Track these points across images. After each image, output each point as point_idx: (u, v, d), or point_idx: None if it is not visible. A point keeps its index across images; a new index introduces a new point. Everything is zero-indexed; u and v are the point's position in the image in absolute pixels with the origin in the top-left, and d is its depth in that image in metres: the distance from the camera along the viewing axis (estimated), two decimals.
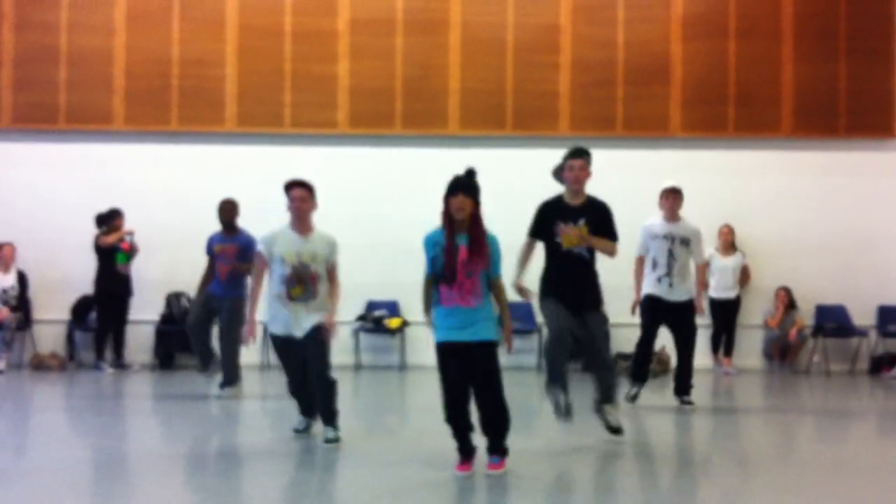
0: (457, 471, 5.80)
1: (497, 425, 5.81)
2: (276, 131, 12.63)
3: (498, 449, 5.85)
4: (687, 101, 12.70)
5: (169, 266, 12.16)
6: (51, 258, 12.38)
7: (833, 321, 12.43)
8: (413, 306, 10.73)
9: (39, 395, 10.08)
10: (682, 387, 8.93)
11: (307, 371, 6.82)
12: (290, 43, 12.65)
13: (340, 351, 12.42)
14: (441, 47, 12.65)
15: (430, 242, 5.85)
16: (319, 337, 6.71)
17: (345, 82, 12.63)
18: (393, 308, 12.24)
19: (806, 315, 12.46)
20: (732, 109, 12.71)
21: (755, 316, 12.51)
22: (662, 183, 8.93)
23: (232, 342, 9.25)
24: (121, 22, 12.59)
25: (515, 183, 12.39)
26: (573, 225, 6.75)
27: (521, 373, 11.97)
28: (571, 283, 6.77)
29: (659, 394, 9.69)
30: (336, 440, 6.73)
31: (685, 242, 8.73)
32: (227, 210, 9.57)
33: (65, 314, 12.33)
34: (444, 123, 12.65)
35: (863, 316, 12.54)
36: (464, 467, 5.82)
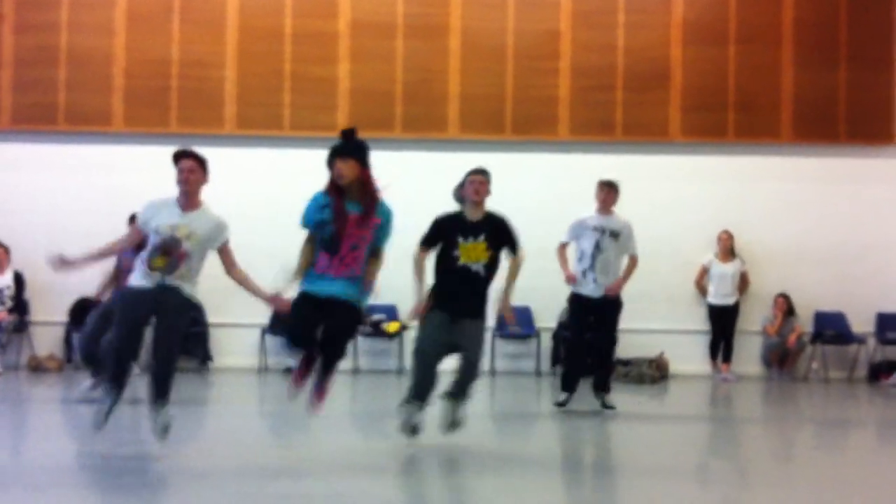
0: (294, 384, 6.21)
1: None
2: (276, 133, 12.61)
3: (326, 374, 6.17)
4: (687, 106, 12.69)
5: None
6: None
7: (832, 328, 12.41)
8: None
9: (36, 397, 10.05)
10: (602, 384, 8.69)
11: (157, 343, 6.20)
12: (290, 44, 12.63)
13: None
14: (441, 51, 12.64)
15: (315, 203, 5.95)
16: (177, 321, 6.21)
17: (345, 84, 12.61)
18: (391, 312, 12.22)
19: (805, 322, 12.44)
20: (732, 115, 12.70)
21: (754, 322, 12.49)
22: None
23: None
24: (121, 22, 12.56)
25: (515, 187, 12.40)
26: (473, 240, 6.79)
27: (519, 377, 11.97)
28: (464, 295, 6.73)
29: (658, 401, 9.68)
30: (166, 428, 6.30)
31: (615, 235, 8.62)
32: None
33: (63, 316, 12.29)
34: (444, 127, 12.63)
35: (862, 323, 12.52)
36: (300, 377, 6.20)
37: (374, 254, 5.97)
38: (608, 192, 8.73)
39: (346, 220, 5.67)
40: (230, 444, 6.95)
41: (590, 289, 8.58)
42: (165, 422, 6.29)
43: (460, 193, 7.06)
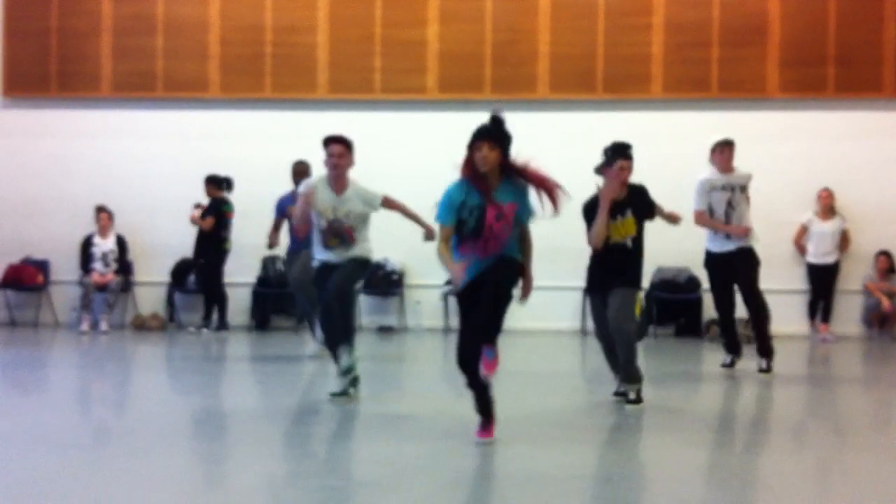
0: (478, 437, 5.50)
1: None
2: (367, 97, 12.71)
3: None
4: (785, 61, 12.34)
5: (265, 230, 12.31)
6: (149, 223, 12.73)
7: None
8: None
9: (141, 355, 10.43)
10: (763, 347, 8.62)
11: (333, 284, 6.84)
12: (380, 8, 12.68)
13: (430, 315, 12.56)
14: (530, 10, 12.52)
15: (451, 198, 5.35)
16: (355, 265, 6.96)
17: (434, 47, 12.62)
18: None
19: None
20: (832, 69, 12.32)
21: (854, 282, 12.19)
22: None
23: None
24: None
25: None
26: (621, 218, 6.86)
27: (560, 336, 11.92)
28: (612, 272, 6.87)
29: (756, 360, 9.53)
30: (348, 370, 6.82)
31: (743, 189, 8.65)
32: (303, 171, 9.76)
33: (165, 277, 12.68)
34: (534, 88, 12.55)
35: None
36: (485, 431, 5.50)
37: (522, 236, 5.53)
38: (729, 150, 8.67)
39: (484, 214, 5.29)
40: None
41: (721, 244, 8.56)
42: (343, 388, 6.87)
43: (605, 171, 7.00)
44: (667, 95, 12.43)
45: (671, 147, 12.42)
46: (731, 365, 8.79)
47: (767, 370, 8.58)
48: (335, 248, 6.90)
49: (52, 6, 12.87)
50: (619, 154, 6.95)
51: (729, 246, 8.57)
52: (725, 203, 8.57)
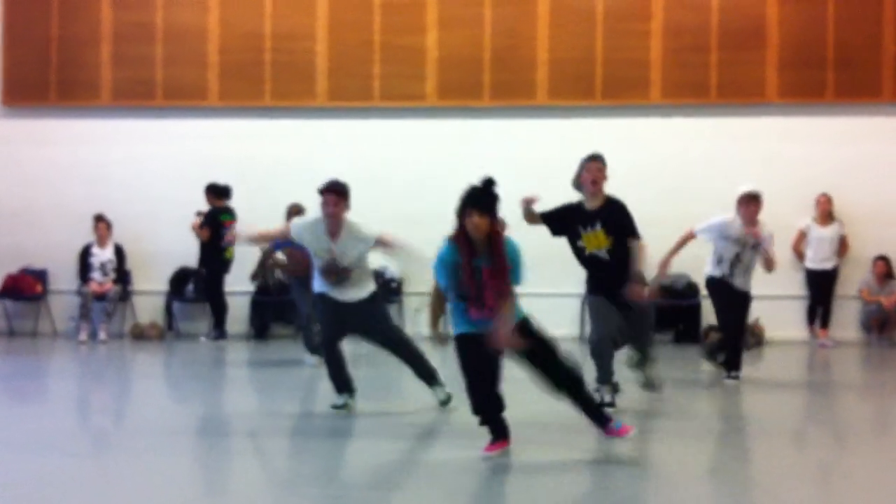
0: (486, 452, 5.45)
1: (574, 383, 5.57)
2: (366, 104, 12.71)
3: (600, 415, 5.63)
4: (784, 65, 12.34)
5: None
6: (149, 232, 12.73)
7: None
8: None
9: (140, 364, 10.42)
10: (733, 363, 8.56)
11: (382, 340, 7.11)
12: (379, 15, 12.69)
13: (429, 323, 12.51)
14: (529, 16, 12.53)
15: (443, 264, 5.48)
16: (375, 307, 7.08)
17: (433, 53, 12.63)
18: None
19: None
20: (831, 74, 12.31)
21: (852, 287, 12.18)
22: (739, 188, 8.56)
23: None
24: None
25: (605, 154, 12.26)
26: (591, 230, 6.91)
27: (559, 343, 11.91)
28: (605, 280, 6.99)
29: (754, 367, 9.53)
30: (446, 400, 6.99)
31: (756, 247, 8.41)
32: (296, 213, 9.86)
33: (163, 285, 12.68)
34: (533, 94, 12.56)
35: None
36: (495, 447, 5.49)
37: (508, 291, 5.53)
38: (755, 205, 8.37)
39: (479, 273, 5.41)
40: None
41: (735, 276, 8.50)
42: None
43: (578, 181, 7.08)
44: (666, 101, 12.43)
45: (670, 152, 12.44)
46: (738, 377, 8.51)
47: (737, 378, 8.48)
48: (335, 284, 6.96)
49: (51, 15, 12.89)
50: (586, 160, 7.11)
51: (731, 279, 8.50)
52: (734, 255, 8.42)
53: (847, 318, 12.17)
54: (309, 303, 9.56)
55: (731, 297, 8.52)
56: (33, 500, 4.58)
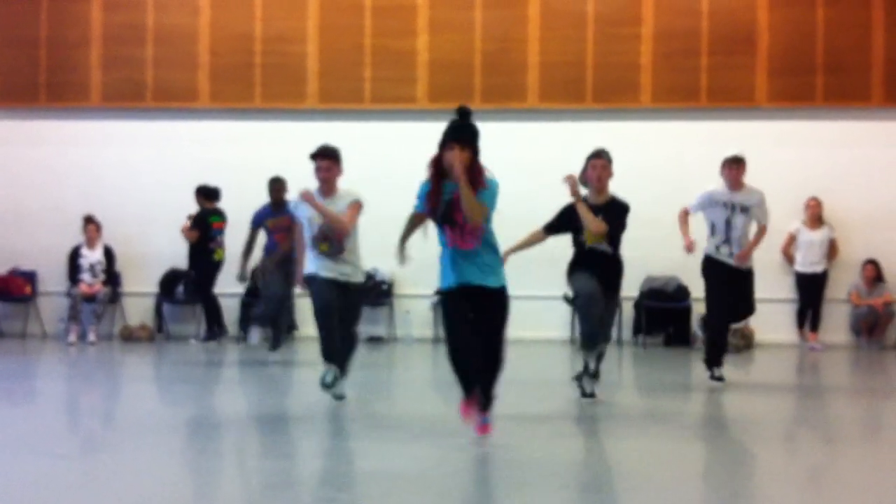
0: (462, 415, 5.75)
1: (491, 374, 5.70)
2: (357, 107, 12.71)
3: (487, 402, 5.70)
4: (774, 70, 12.40)
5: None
6: (139, 233, 12.70)
7: None
8: None
9: (129, 365, 10.38)
10: (714, 360, 8.46)
11: (344, 324, 7.10)
12: (370, 18, 12.69)
13: (420, 324, 12.54)
14: (520, 20, 12.56)
15: (422, 191, 5.78)
16: (361, 298, 7.17)
17: (424, 57, 12.64)
18: None
19: (895, 289, 12.12)
20: (821, 78, 12.37)
21: (842, 290, 12.22)
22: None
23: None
24: (205, 0, 12.77)
25: None
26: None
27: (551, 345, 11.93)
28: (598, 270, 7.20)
29: (744, 370, 9.55)
30: (330, 384, 6.97)
31: (745, 210, 8.37)
32: (279, 188, 10.49)
33: (153, 287, 12.65)
34: (524, 97, 12.58)
35: None
36: (468, 409, 5.72)
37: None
38: (736, 168, 8.39)
39: (447, 194, 5.60)
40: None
41: (726, 258, 8.41)
42: (339, 393, 7.09)
43: (584, 177, 7.23)
44: (656, 105, 12.47)
45: (661, 156, 12.47)
46: (722, 378, 8.44)
47: (720, 379, 8.45)
48: (326, 254, 7.03)
49: (41, 16, 12.86)
50: (591, 156, 7.33)
51: (726, 260, 8.39)
52: (724, 221, 8.36)
53: (836, 321, 12.21)
54: (275, 288, 10.06)
55: (723, 277, 8.36)
56: (23, 501, 4.56)
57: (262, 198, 11.37)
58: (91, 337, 11.80)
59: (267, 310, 10.25)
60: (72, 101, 12.90)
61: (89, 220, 12.27)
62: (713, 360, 8.41)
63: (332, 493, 4.85)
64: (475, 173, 5.56)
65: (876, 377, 10.13)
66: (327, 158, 7.12)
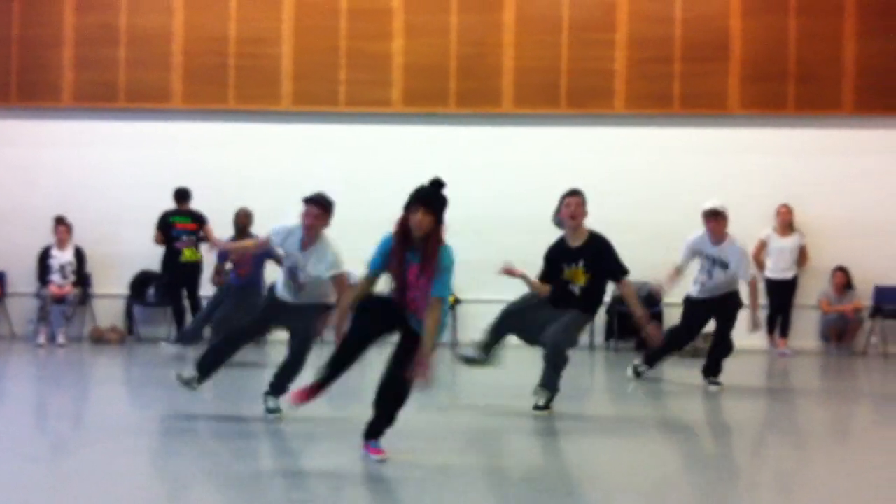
0: (293, 399, 5.71)
1: (392, 404, 5.60)
2: (332, 109, 12.69)
3: (378, 431, 5.64)
4: (746, 77, 12.50)
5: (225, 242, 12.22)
6: (110, 235, 12.60)
7: (892, 303, 12.19)
8: (466, 284, 10.76)
9: (99, 368, 10.30)
10: (712, 369, 8.84)
11: (296, 339, 7.03)
12: (345, 20, 12.68)
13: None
14: (495, 25, 12.59)
15: (381, 249, 5.57)
16: (311, 326, 6.85)
17: (399, 60, 12.64)
18: None
19: (864, 296, 12.25)
20: (793, 87, 12.48)
21: (812, 297, 12.33)
22: (704, 204, 8.72)
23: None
24: (179, 1, 12.71)
25: (570, 161, 12.36)
26: (574, 266, 7.11)
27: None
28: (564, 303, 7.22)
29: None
30: (273, 410, 6.92)
31: (724, 266, 8.59)
32: (243, 218, 10.73)
33: (123, 289, 12.56)
34: (498, 102, 12.60)
35: None
36: (301, 396, 5.67)
37: (431, 305, 5.44)
38: (716, 222, 8.56)
39: (406, 267, 5.47)
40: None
41: (708, 292, 8.70)
42: (272, 406, 6.98)
43: (558, 217, 7.20)
44: (629, 110, 12.54)
45: (633, 161, 12.54)
46: (640, 375, 8.97)
47: (718, 384, 8.71)
48: (290, 290, 6.98)
49: (13, 16, 12.73)
50: (565, 195, 7.24)
51: (704, 294, 8.74)
52: (707, 271, 8.66)
53: (806, 327, 12.31)
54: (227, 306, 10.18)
55: (700, 312, 8.80)
56: None
57: (235, 199, 11.38)
58: (60, 339, 11.69)
59: (196, 333, 10.52)
60: (43, 102, 12.79)
61: (60, 221, 12.17)
62: (652, 359, 8.96)
63: (303, 495, 4.85)
64: (433, 241, 5.43)
65: (843, 382, 10.22)
66: (318, 206, 6.81)
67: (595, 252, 7.09)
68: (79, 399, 8.28)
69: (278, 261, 9.53)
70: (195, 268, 11.88)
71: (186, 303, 11.90)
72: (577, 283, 7.08)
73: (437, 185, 5.50)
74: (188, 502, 4.80)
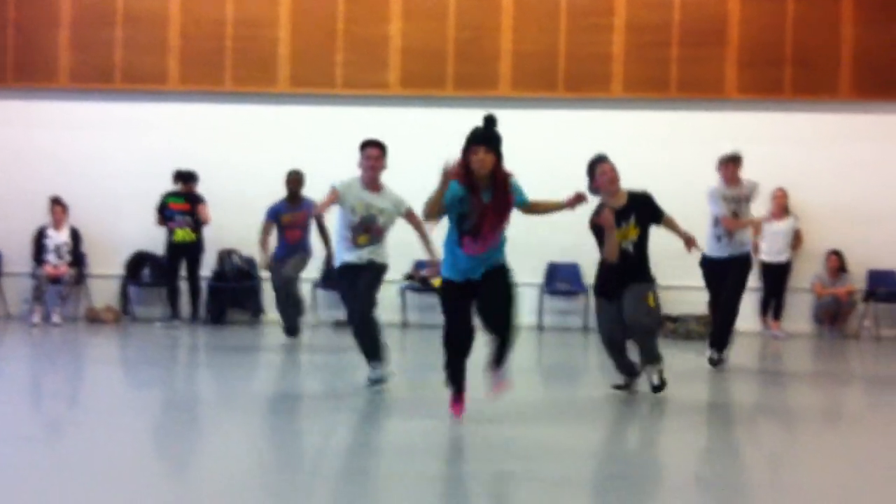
0: (453, 413, 5.83)
1: (502, 344, 5.75)
2: (329, 92, 12.68)
3: (500, 363, 5.78)
4: (743, 62, 12.50)
5: (221, 224, 12.23)
6: (106, 215, 12.61)
7: (885, 286, 12.25)
8: None
9: (94, 347, 10.32)
10: (719, 340, 8.91)
11: (355, 296, 7.04)
12: (343, 3, 12.65)
13: (387, 309, 12.51)
14: (493, 8, 12.57)
15: (453, 195, 5.64)
16: (372, 274, 7.00)
17: (396, 43, 12.62)
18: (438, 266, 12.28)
19: (858, 280, 12.29)
20: (790, 71, 12.48)
21: (805, 280, 12.37)
22: (721, 151, 9.02)
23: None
24: None
25: (567, 145, 12.36)
26: (624, 225, 7.11)
27: (566, 333, 12.02)
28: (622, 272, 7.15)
29: (707, 357, 9.63)
30: (380, 380, 6.93)
31: (748, 200, 8.96)
32: (295, 181, 10.31)
33: (119, 269, 12.57)
34: (496, 85, 12.60)
35: None
36: (457, 407, 5.85)
37: (527, 208, 5.90)
38: (732, 166, 8.94)
39: (485, 212, 5.64)
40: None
41: (722, 249, 8.85)
42: (378, 376, 7.00)
43: (594, 186, 7.23)
44: (627, 94, 12.54)
45: (631, 145, 12.51)
46: (719, 362, 8.90)
47: (720, 361, 8.81)
48: (363, 247, 7.00)
49: None
50: (595, 163, 7.26)
51: (723, 253, 8.88)
52: (731, 213, 8.84)
53: (799, 310, 12.36)
54: (283, 276, 10.04)
55: (718, 272, 8.89)
56: None
57: (235, 180, 11.39)
58: (55, 318, 11.70)
59: (277, 300, 10.23)
60: (39, 82, 12.77)
61: (56, 202, 12.17)
62: (719, 341, 8.98)
63: (304, 477, 4.88)
64: (501, 174, 5.67)
65: (836, 365, 10.27)
66: (378, 147, 7.06)
67: (642, 204, 7.22)
68: (74, 379, 8.30)
69: (322, 229, 9.62)
70: (191, 248, 11.89)
71: (185, 284, 11.93)
72: (630, 238, 7.14)
73: (490, 122, 5.71)
74: (185, 481, 4.83)
